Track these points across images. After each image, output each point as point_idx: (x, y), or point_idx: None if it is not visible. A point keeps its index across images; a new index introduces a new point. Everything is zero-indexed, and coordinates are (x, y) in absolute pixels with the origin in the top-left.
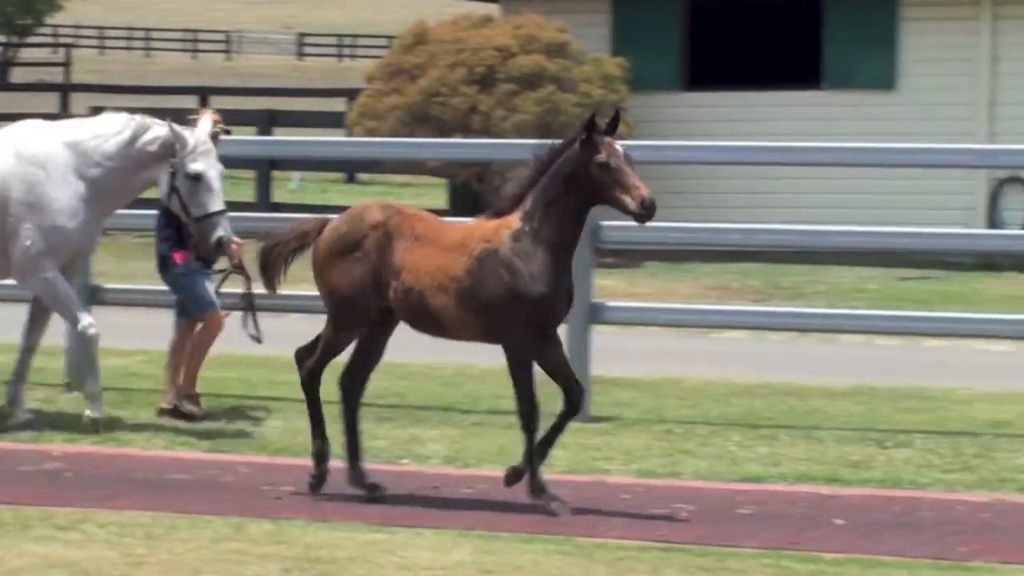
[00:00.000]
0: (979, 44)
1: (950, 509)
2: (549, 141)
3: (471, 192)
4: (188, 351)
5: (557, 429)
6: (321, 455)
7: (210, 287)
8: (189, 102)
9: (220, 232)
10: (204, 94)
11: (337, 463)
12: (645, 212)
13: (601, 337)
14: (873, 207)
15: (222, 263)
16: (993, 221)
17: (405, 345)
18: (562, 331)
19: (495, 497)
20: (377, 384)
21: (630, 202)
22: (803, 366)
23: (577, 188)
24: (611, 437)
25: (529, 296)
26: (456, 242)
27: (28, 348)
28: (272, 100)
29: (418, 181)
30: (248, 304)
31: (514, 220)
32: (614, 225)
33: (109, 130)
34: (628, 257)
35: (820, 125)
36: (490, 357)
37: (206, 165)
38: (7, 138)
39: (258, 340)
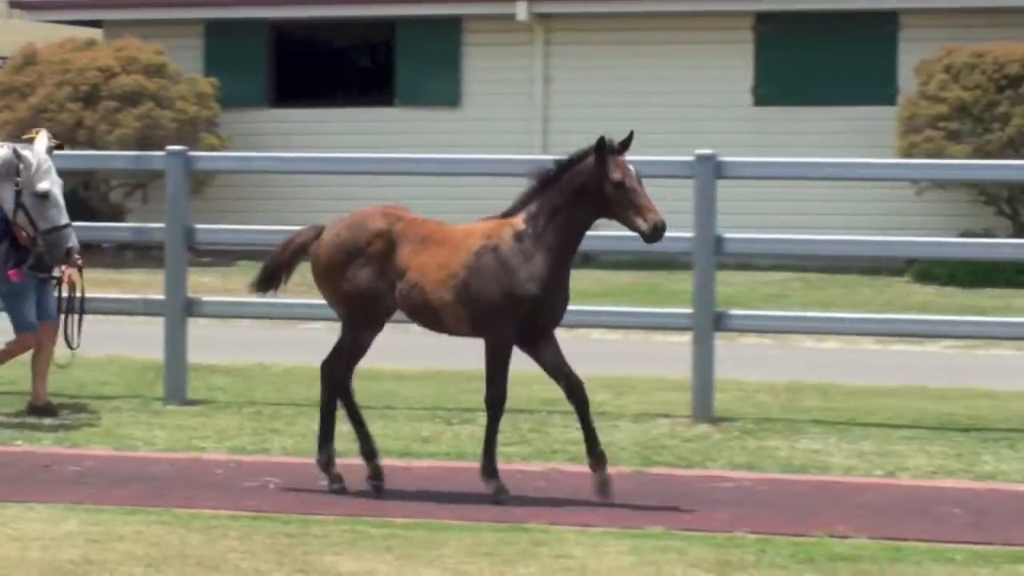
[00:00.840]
0: (533, 66)
1: (509, 477)
2: (148, 153)
3: (78, 198)
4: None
5: (586, 424)
6: (369, 454)
7: (32, 306)
8: None
9: (70, 243)
10: None
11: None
12: (655, 234)
13: (197, 329)
14: (448, 212)
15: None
16: None
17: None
18: (159, 323)
19: (101, 474)
20: None
21: (642, 224)
22: (379, 353)
23: (586, 202)
24: (206, 418)
25: (522, 295)
26: (459, 240)
27: None
28: None
29: None
30: (78, 310)
31: (518, 221)
32: (207, 228)
33: None
34: (222, 256)
35: (394, 138)
36: (102, 348)
37: (50, 183)
38: None
39: (71, 347)
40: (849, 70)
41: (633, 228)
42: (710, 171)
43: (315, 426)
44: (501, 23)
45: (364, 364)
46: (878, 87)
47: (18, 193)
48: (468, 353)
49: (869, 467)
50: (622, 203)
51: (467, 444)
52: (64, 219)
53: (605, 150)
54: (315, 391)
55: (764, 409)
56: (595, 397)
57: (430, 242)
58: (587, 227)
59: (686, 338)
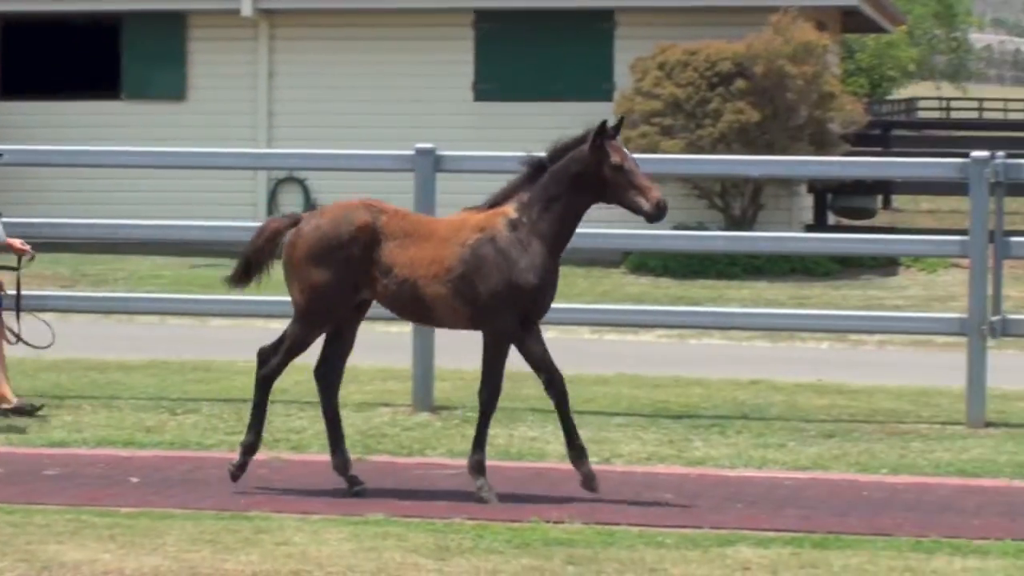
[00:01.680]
0: (258, 61)
1: None
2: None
3: None
4: None
5: (566, 419)
6: (251, 448)
7: None
8: None
9: None
10: None
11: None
12: (658, 213)
13: None
14: (170, 203)
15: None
16: (273, 215)
17: None
18: None
19: None
20: None
21: (644, 203)
22: (103, 344)
23: (584, 188)
24: None
25: (524, 285)
26: (448, 233)
27: None
28: None
29: None
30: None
31: (509, 210)
32: None
33: None
34: None
35: (121, 131)
36: None
37: None
38: None
39: (14, 340)
40: (567, 67)
41: (635, 209)
42: (429, 165)
43: (39, 415)
44: (226, 18)
45: (90, 355)
46: (595, 83)
47: None
48: (191, 346)
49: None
50: (623, 185)
51: (191, 433)
52: None
53: (605, 135)
54: (40, 382)
55: None
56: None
57: (416, 236)
58: (582, 214)
59: (407, 328)
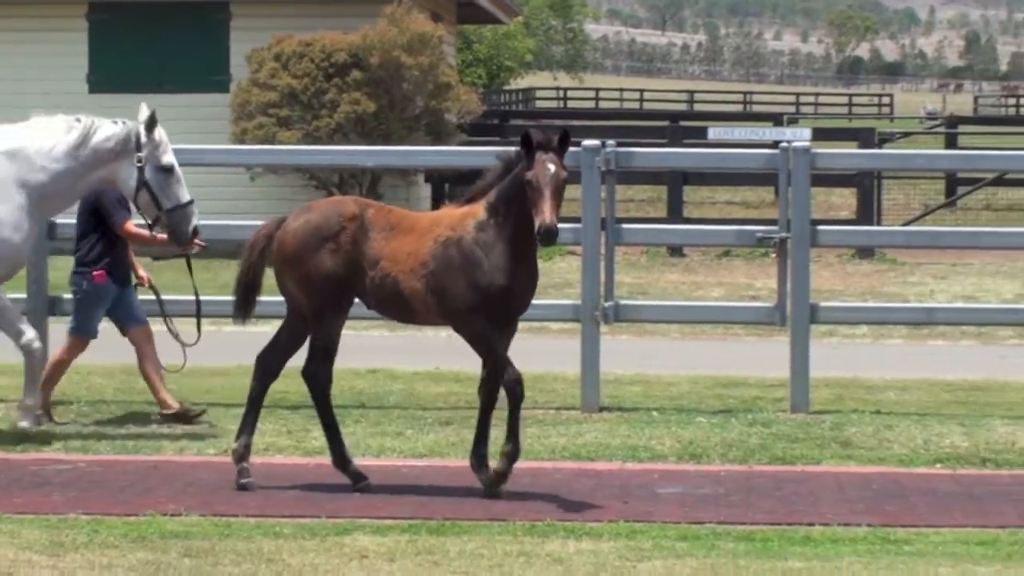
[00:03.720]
0: None
1: None
2: None
3: None
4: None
5: (513, 417)
6: (343, 461)
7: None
8: None
9: (195, 221)
10: None
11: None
12: (541, 236)
13: None
14: None
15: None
16: None
17: None
18: None
19: None
20: None
21: (535, 223)
22: None
23: (523, 193)
24: None
25: (488, 286)
26: (426, 228)
27: None
28: None
29: None
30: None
31: (479, 210)
32: None
33: (54, 132)
34: None
35: None
36: None
37: (173, 157)
38: None
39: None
40: (183, 58)
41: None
42: None
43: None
44: None
45: None
46: (211, 75)
47: (140, 170)
48: None
49: (202, 446)
50: (530, 199)
51: None
52: (188, 196)
53: (531, 145)
54: None
55: (99, 391)
56: None
57: (398, 230)
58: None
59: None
